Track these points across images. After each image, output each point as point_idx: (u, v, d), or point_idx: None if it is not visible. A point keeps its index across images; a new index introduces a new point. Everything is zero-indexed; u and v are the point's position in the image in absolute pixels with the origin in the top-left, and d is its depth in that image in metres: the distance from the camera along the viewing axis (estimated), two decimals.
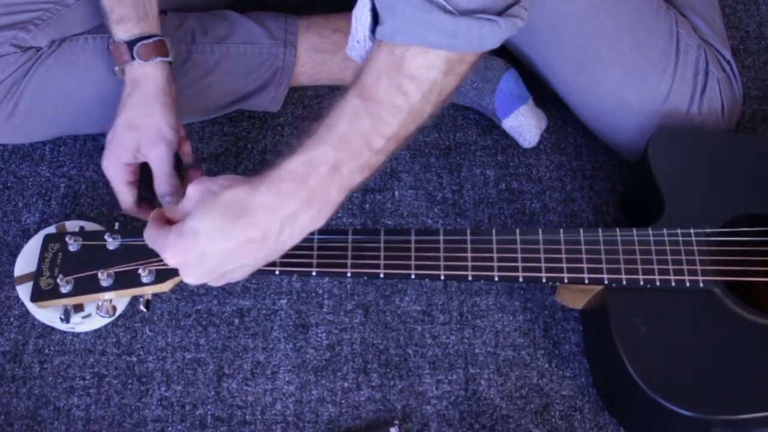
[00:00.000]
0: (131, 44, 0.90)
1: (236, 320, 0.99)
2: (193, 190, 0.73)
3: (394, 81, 0.69)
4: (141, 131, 0.91)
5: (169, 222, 0.75)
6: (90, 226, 0.97)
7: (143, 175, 0.95)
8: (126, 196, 0.95)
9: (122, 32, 0.91)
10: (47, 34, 0.97)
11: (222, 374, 0.97)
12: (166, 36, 0.93)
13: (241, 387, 0.96)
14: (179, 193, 0.91)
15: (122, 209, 0.96)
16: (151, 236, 0.76)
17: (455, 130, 1.12)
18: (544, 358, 0.98)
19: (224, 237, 0.70)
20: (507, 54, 1.09)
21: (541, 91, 1.11)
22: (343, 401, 0.95)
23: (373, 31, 0.73)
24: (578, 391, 0.96)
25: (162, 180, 0.92)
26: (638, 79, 0.98)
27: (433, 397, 0.95)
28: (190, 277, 0.74)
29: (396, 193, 1.08)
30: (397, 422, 0.93)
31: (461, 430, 0.94)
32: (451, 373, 0.97)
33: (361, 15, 0.74)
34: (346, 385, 0.96)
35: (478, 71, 1.05)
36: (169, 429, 0.94)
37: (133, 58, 0.90)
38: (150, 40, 0.91)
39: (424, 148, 1.11)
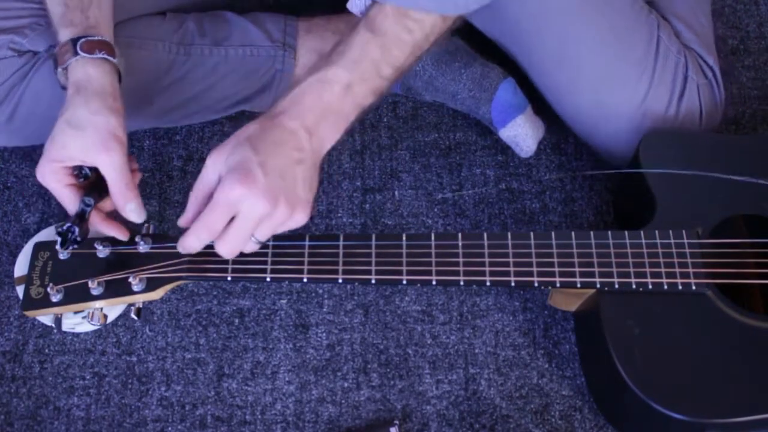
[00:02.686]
0: (75, 41, 0.84)
1: (236, 320, 0.99)
2: (216, 153, 0.76)
3: (400, 22, 0.78)
4: (87, 132, 0.81)
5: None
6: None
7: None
8: (74, 199, 0.83)
9: (68, 33, 0.86)
10: (45, 39, 0.96)
11: (222, 374, 0.97)
12: (164, 38, 0.91)
13: (241, 387, 0.96)
14: (139, 198, 0.84)
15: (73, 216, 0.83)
16: (197, 193, 0.77)
17: (455, 130, 1.12)
18: (544, 358, 0.98)
19: (269, 153, 0.74)
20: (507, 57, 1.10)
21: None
22: (343, 401, 0.95)
23: None
24: (578, 391, 0.96)
25: (121, 188, 0.82)
26: (616, 79, 0.98)
27: (433, 397, 0.95)
28: (267, 193, 0.73)
29: (396, 193, 1.08)
30: (397, 422, 0.93)
31: (461, 430, 0.94)
32: (451, 373, 0.97)
33: None
34: (346, 385, 0.96)
35: (475, 80, 1.05)
36: (169, 429, 0.94)
37: (76, 53, 0.83)
38: (95, 37, 0.85)
39: (424, 148, 1.11)
